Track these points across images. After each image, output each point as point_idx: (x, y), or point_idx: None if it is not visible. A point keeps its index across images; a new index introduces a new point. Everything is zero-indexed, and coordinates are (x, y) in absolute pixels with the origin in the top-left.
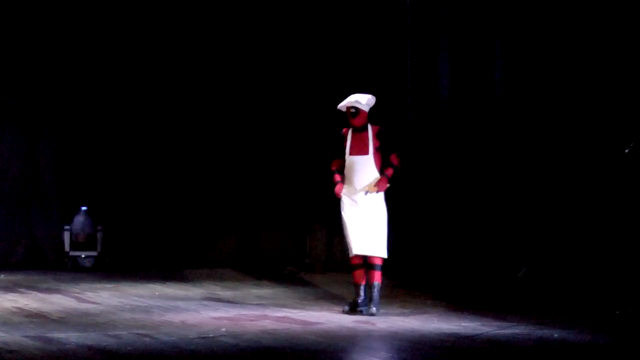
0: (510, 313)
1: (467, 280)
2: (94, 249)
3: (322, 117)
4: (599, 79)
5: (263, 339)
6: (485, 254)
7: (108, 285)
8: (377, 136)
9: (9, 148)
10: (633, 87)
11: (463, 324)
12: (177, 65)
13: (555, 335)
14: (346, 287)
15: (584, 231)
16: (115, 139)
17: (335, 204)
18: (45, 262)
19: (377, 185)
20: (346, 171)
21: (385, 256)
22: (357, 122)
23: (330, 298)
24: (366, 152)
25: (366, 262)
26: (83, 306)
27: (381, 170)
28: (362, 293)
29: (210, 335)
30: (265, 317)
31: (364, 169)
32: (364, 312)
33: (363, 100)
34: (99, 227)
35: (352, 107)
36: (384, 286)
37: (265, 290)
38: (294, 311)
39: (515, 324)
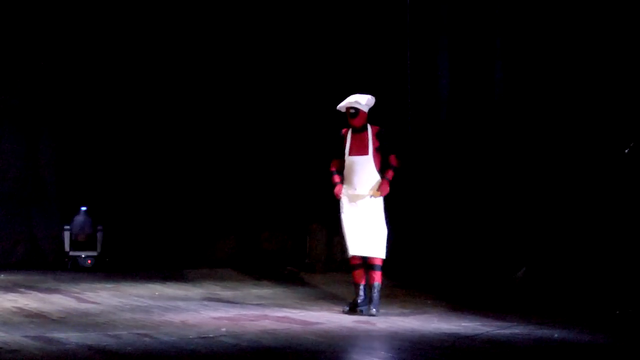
0: (510, 313)
1: (467, 280)
2: (94, 249)
3: (321, 117)
4: (599, 79)
5: (263, 339)
6: (485, 254)
7: (108, 285)
8: (376, 137)
9: (9, 148)
10: (633, 87)
11: (463, 324)
12: (177, 66)
13: (555, 335)
14: (346, 287)
15: (583, 231)
16: (115, 139)
17: (334, 204)
18: (45, 262)
19: (380, 189)
20: (346, 171)
21: (384, 257)
22: (357, 122)
23: (330, 298)
24: (366, 153)
25: (366, 262)
26: (83, 306)
27: (381, 171)
28: (362, 293)
29: (210, 335)
30: (265, 317)
31: (363, 169)
32: (364, 312)
33: (362, 101)
34: (99, 227)
35: (352, 107)
36: (384, 286)
37: (265, 290)
38: (294, 311)
39: (515, 324)
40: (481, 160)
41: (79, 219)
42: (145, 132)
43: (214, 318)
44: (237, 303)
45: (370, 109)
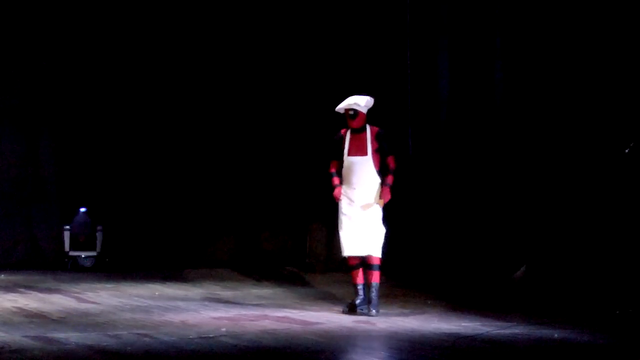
0: (510, 313)
1: (467, 280)
2: (94, 249)
3: (321, 117)
4: (599, 79)
5: (263, 339)
6: (485, 254)
7: (108, 285)
8: (375, 138)
9: (9, 148)
10: (633, 87)
11: (463, 324)
12: (177, 66)
13: (555, 335)
14: (346, 287)
15: (583, 231)
16: (115, 139)
17: (334, 203)
18: (45, 262)
19: (382, 196)
20: (345, 172)
21: (380, 255)
22: (356, 124)
23: (330, 298)
24: (365, 153)
25: (364, 262)
26: (83, 306)
27: (380, 172)
28: (361, 293)
29: (210, 335)
30: (265, 317)
31: (362, 170)
32: (363, 311)
33: (362, 102)
34: (98, 227)
35: (351, 109)
36: (383, 286)
37: (265, 290)
38: (294, 311)
39: (515, 324)
40: (481, 160)
41: (79, 219)
42: (145, 132)
43: (214, 318)
44: (237, 303)
45: (370, 110)
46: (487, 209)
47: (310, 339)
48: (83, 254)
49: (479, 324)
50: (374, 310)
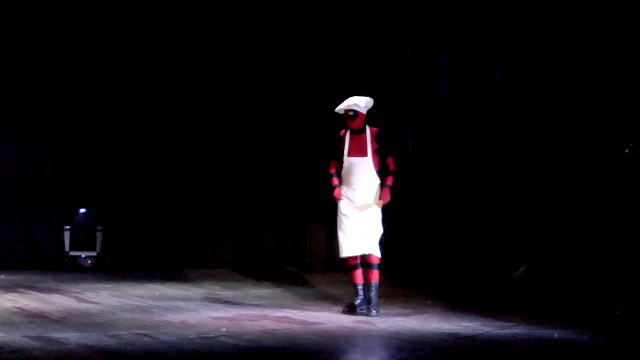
0: (510, 313)
1: (467, 280)
2: (94, 249)
3: (321, 117)
4: (599, 79)
5: (263, 339)
6: (485, 253)
7: (108, 285)
8: (375, 138)
9: (9, 148)
10: (633, 87)
11: (463, 324)
12: (177, 66)
13: (555, 335)
14: (346, 287)
15: (584, 231)
16: (115, 139)
17: (334, 203)
18: (45, 262)
19: (382, 197)
20: (344, 172)
21: (380, 255)
22: (356, 124)
23: (330, 298)
24: (365, 154)
25: (364, 262)
26: (83, 306)
27: (380, 173)
28: (361, 293)
29: (210, 335)
30: (265, 317)
31: (362, 171)
32: (363, 312)
33: (361, 103)
34: (98, 227)
35: (351, 109)
36: (383, 286)
37: (265, 290)
38: (294, 311)
39: (515, 324)
40: (481, 160)
41: (79, 219)
42: (145, 132)
43: (214, 318)
44: (237, 303)
45: (370, 110)
46: (487, 209)
47: (310, 339)
48: (83, 254)
49: (479, 324)
50: (374, 311)
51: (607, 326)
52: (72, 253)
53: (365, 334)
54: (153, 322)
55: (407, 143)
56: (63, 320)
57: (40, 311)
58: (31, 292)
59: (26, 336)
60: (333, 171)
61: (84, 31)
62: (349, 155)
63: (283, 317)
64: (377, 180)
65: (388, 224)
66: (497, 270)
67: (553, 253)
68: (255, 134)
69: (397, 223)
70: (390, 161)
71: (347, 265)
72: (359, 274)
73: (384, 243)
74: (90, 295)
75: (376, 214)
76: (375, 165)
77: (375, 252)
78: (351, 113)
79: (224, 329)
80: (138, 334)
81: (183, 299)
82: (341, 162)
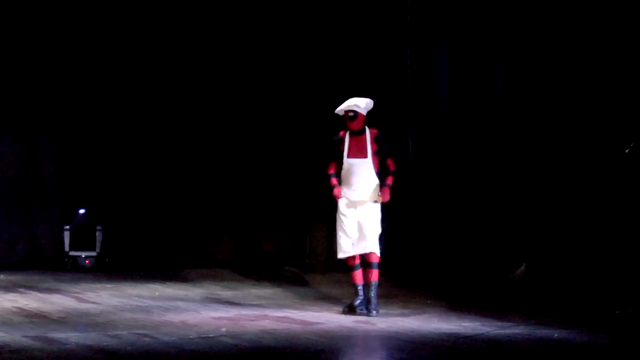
0: (510, 313)
1: (467, 280)
2: (94, 249)
3: (321, 118)
4: (599, 79)
5: (263, 339)
6: (485, 253)
7: (108, 285)
8: (375, 140)
9: (9, 148)
10: (633, 87)
11: (463, 324)
12: (177, 67)
13: (555, 335)
14: (346, 287)
15: (583, 231)
16: (115, 139)
17: (334, 203)
18: (45, 262)
19: (382, 195)
20: (344, 174)
21: (379, 252)
22: (356, 125)
23: (330, 298)
24: (365, 156)
25: (364, 261)
26: (83, 306)
27: (379, 174)
28: (361, 293)
29: (210, 335)
30: (265, 317)
31: (362, 172)
32: (363, 312)
33: (362, 104)
34: (98, 227)
35: (351, 110)
36: (383, 286)
37: (265, 290)
38: (294, 311)
39: (515, 324)
40: (481, 159)
41: (79, 219)
42: (145, 132)
43: (214, 318)
44: (237, 303)
45: (370, 110)
46: (487, 208)
47: (310, 339)
48: (83, 254)
49: (479, 324)
50: (374, 310)
51: (607, 326)
52: (72, 253)
53: (365, 334)
54: (153, 322)
55: (407, 143)
56: (63, 320)
57: (40, 311)
58: (31, 292)
59: (26, 336)
60: (332, 172)
61: (84, 32)
62: (348, 156)
63: (283, 317)
64: (377, 182)
65: (388, 224)
66: (497, 270)
67: (553, 253)
68: (255, 135)
69: (396, 223)
70: (390, 162)
71: (347, 266)
72: (358, 274)
73: (383, 243)
74: (90, 295)
75: (376, 214)
76: (375, 166)
77: (376, 251)
78: (351, 114)
79: (224, 329)
80: (138, 334)
81: (183, 299)
82: (340, 163)
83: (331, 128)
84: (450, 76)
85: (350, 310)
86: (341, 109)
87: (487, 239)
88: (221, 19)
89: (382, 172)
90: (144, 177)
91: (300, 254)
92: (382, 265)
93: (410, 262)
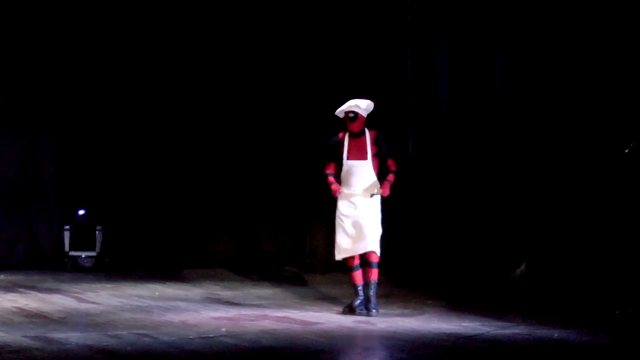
0: (510, 313)
1: (467, 280)
2: (94, 249)
3: (321, 118)
4: (599, 79)
5: (263, 339)
6: (485, 253)
7: (108, 285)
8: (374, 141)
9: (10, 148)
10: (633, 87)
11: (463, 324)
12: (176, 67)
13: (555, 335)
14: (346, 287)
15: (583, 231)
16: (115, 139)
17: (334, 204)
18: (45, 262)
19: (382, 189)
20: (344, 175)
21: (379, 251)
22: (356, 127)
23: (330, 298)
24: (364, 157)
25: (364, 261)
26: (83, 306)
27: (380, 175)
28: (361, 294)
29: (210, 335)
30: (265, 317)
31: (362, 174)
32: (362, 311)
33: (362, 105)
34: (98, 227)
35: (351, 111)
36: (384, 286)
37: (265, 290)
38: (294, 311)
39: (515, 324)
40: (481, 159)
41: (79, 219)
42: (145, 132)
43: (214, 318)
44: (237, 303)
45: (370, 113)
46: (487, 208)
47: (310, 339)
48: (83, 254)
49: (479, 324)
50: (373, 310)
51: (607, 326)
52: (72, 253)
53: (365, 334)
54: (153, 322)
55: (407, 143)
56: (63, 320)
57: (40, 311)
58: (31, 292)
59: (26, 336)
60: (329, 171)
61: (84, 32)
62: (348, 158)
63: (283, 317)
64: (377, 184)
65: (388, 224)
66: (497, 270)
67: (553, 253)
68: (256, 135)
69: (396, 223)
70: (390, 163)
71: (347, 266)
72: (358, 275)
73: (383, 243)
74: (90, 295)
75: (376, 213)
76: (374, 168)
77: (376, 251)
78: (351, 115)
79: (224, 329)
80: (138, 334)
81: (183, 299)
82: (338, 164)
83: (331, 128)
84: (450, 76)
85: (350, 310)
86: (341, 109)
87: (487, 239)
88: (221, 20)
89: (382, 174)
90: (144, 177)
91: (300, 254)
92: (382, 265)
93: (410, 262)
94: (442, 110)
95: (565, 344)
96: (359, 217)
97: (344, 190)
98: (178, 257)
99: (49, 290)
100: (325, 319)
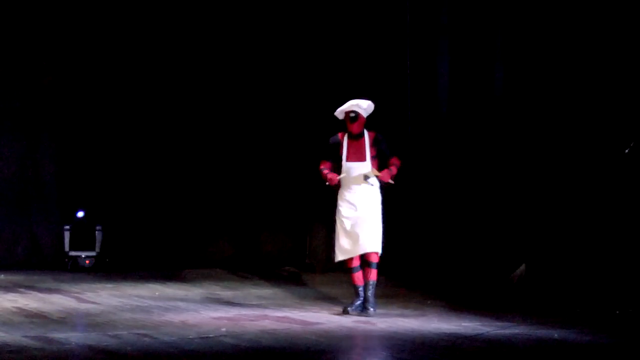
0: (510, 313)
1: (466, 280)
2: (94, 249)
3: (321, 118)
4: (599, 79)
5: (263, 339)
6: (485, 253)
7: (108, 285)
8: (374, 143)
9: (9, 148)
10: (633, 87)
11: (463, 324)
12: (177, 67)
13: (555, 335)
14: (346, 287)
15: (583, 231)
16: (115, 140)
17: (334, 204)
18: (45, 262)
19: (382, 174)
20: (343, 177)
21: (380, 251)
22: (356, 128)
23: (330, 298)
24: (363, 159)
25: (364, 261)
26: (83, 306)
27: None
28: (361, 295)
29: (210, 335)
30: (265, 317)
31: (361, 175)
32: (362, 312)
33: (363, 105)
34: (98, 227)
35: (352, 110)
36: (384, 286)
37: (265, 290)
38: (294, 311)
39: (515, 324)
40: (481, 159)
41: (79, 219)
42: (144, 133)
43: (214, 318)
44: (237, 303)
45: (369, 115)
46: (487, 208)
47: (310, 339)
48: (83, 254)
49: (479, 324)
50: (371, 309)
51: (607, 326)
52: (72, 253)
53: (365, 334)
54: (153, 322)
55: (407, 143)
56: (63, 320)
57: (40, 311)
58: (31, 292)
59: (26, 336)
60: (322, 167)
61: (84, 32)
62: (347, 160)
63: (283, 317)
64: (377, 185)
65: (387, 224)
66: (497, 270)
67: (553, 253)
68: (255, 135)
69: (396, 222)
70: (394, 159)
71: (347, 267)
72: (359, 276)
73: (383, 243)
74: (90, 295)
75: (376, 215)
76: (374, 169)
77: (376, 251)
78: (352, 114)
79: (224, 329)
80: (138, 334)
81: (183, 299)
82: (335, 164)
83: (331, 128)
84: (450, 76)
85: (350, 311)
86: (341, 110)
87: (487, 239)
88: (221, 20)
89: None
90: (144, 177)
91: (300, 254)
92: (382, 265)
93: (410, 262)
94: (442, 110)
95: (565, 344)
96: (360, 219)
97: (344, 191)
98: (178, 257)
99: (49, 290)
100: (325, 319)
